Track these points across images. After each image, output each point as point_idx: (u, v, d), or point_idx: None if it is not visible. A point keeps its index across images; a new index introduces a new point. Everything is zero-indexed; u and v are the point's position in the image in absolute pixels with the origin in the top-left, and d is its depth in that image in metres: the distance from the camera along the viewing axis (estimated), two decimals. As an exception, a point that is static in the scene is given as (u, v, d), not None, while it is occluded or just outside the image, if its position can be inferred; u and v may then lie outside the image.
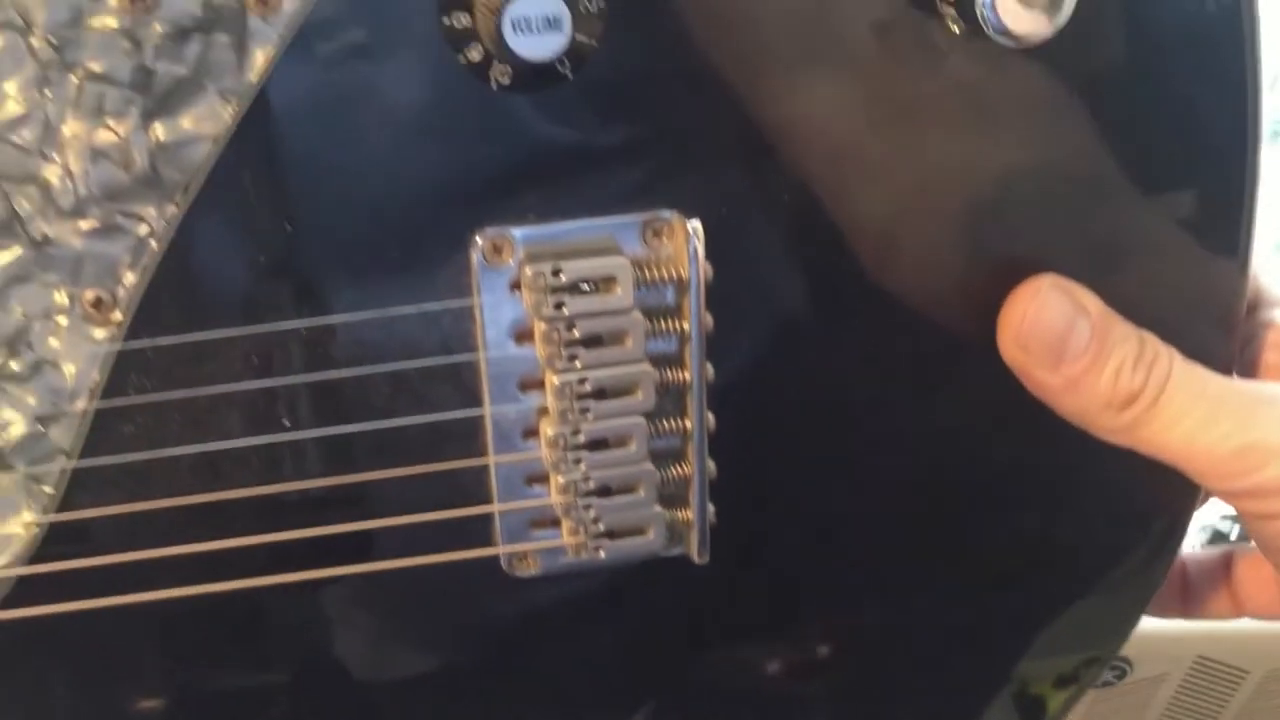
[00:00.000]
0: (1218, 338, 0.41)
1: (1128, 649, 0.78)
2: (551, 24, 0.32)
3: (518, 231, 0.36)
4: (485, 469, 0.39)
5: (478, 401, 0.38)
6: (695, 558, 0.40)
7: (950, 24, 0.35)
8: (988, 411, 0.41)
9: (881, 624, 0.45)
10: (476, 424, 0.38)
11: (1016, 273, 0.39)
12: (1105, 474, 0.42)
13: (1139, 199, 0.39)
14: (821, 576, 0.43)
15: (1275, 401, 0.36)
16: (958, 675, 0.46)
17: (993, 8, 0.33)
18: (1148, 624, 0.72)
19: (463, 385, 0.38)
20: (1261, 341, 0.42)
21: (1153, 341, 0.38)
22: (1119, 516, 0.44)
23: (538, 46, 0.33)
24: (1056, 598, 0.45)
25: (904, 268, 0.39)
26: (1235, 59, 0.38)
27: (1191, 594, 0.47)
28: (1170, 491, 0.42)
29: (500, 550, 0.39)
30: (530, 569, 0.40)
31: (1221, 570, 0.46)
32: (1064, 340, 0.38)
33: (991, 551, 0.44)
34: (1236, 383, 0.38)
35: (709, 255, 0.37)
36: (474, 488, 0.39)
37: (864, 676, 0.45)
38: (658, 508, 0.39)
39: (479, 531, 0.40)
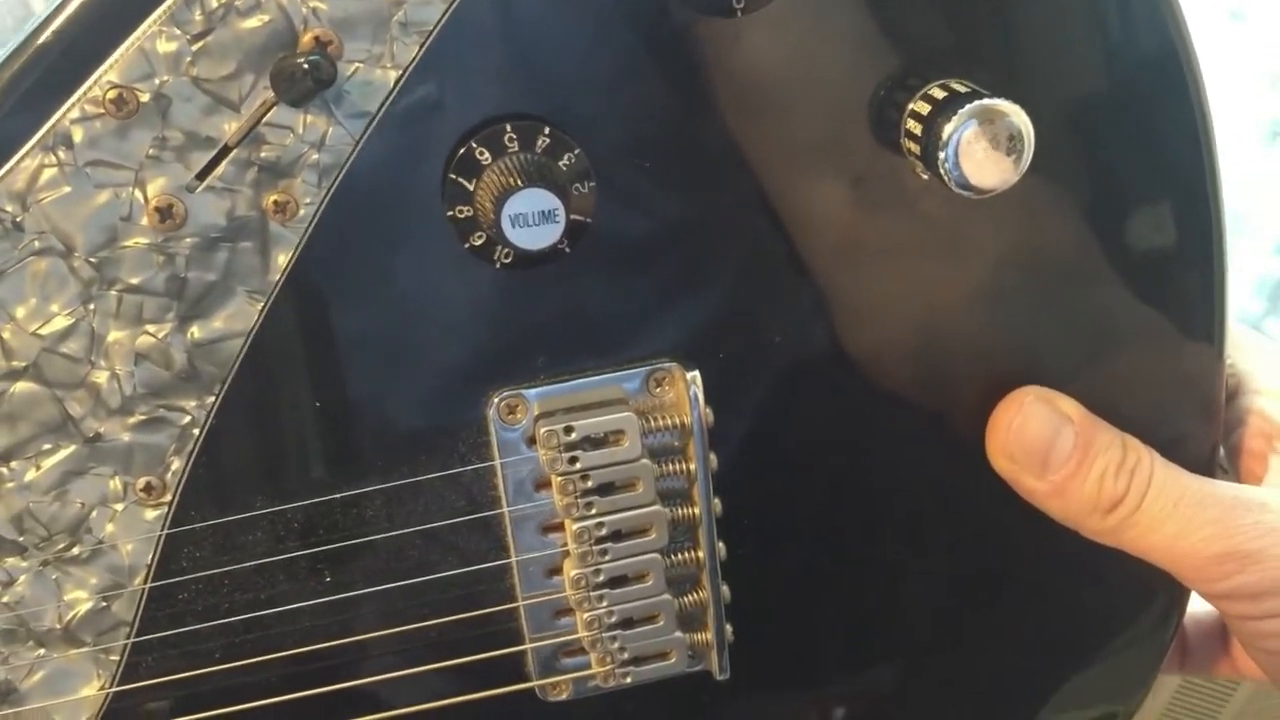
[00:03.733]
0: (1199, 425, 0.43)
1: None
2: (547, 216, 0.35)
3: (530, 391, 0.39)
4: (516, 607, 0.41)
5: (505, 547, 0.41)
6: (717, 675, 0.43)
7: (918, 171, 0.38)
8: (1000, 501, 0.43)
9: (903, 684, 0.47)
10: (505, 568, 0.41)
11: (1010, 376, 0.42)
12: (1109, 552, 0.44)
13: (1118, 294, 0.41)
14: (842, 652, 0.46)
15: (1251, 507, 0.38)
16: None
17: (956, 163, 0.35)
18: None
19: (490, 533, 0.41)
20: (1245, 428, 0.44)
21: (1135, 446, 0.40)
22: (1125, 588, 0.46)
23: (536, 238, 0.35)
24: (1070, 659, 0.47)
25: (904, 386, 0.41)
26: (1194, 157, 0.40)
27: (1190, 652, 0.49)
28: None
29: (534, 684, 0.42)
30: (562, 694, 0.43)
31: (1219, 632, 0.48)
32: (1049, 449, 0.40)
33: (1011, 621, 0.47)
34: (1216, 486, 0.40)
35: (710, 398, 0.40)
36: (507, 623, 0.42)
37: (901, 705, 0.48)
38: (678, 633, 0.42)
39: (513, 664, 0.42)
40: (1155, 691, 0.81)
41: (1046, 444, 0.40)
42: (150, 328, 0.37)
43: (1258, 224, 0.89)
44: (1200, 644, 0.49)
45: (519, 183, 0.35)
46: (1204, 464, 0.43)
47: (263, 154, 0.35)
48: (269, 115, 0.35)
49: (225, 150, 0.35)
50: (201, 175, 0.35)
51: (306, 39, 0.34)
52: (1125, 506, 0.40)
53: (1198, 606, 0.47)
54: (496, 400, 0.39)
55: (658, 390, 0.40)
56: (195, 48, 0.34)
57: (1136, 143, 0.39)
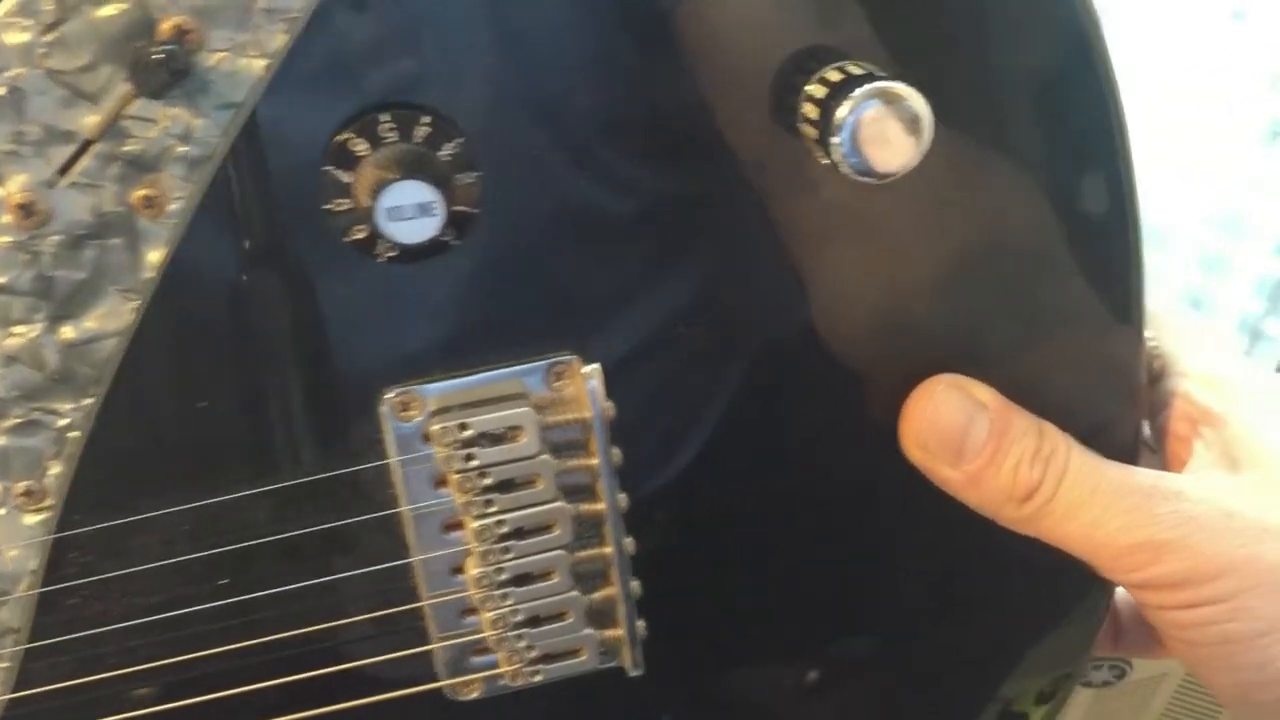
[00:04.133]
0: (1121, 408, 0.42)
1: (1128, 650, 0.78)
2: (425, 209, 0.34)
3: (426, 387, 0.38)
4: (421, 607, 0.40)
5: (406, 546, 0.39)
6: (630, 671, 0.42)
7: (818, 156, 0.36)
8: (919, 486, 0.42)
9: (868, 658, 0.46)
10: (408, 568, 0.40)
11: (931, 363, 0.40)
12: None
13: (1035, 276, 0.40)
14: (762, 643, 0.45)
15: (1168, 495, 0.37)
16: (949, 699, 0.48)
17: (852, 148, 0.34)
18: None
19: (390, 533, 0.39)
20: (1170, 411, 0.43)
21: (1051, 434, 0.39)
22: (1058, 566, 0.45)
23: (414, 231, 0.34)
24: (1036, 625, 0.47)
25: (816, 373, 0.40)
26: (1105, 134, 0.39)
27: (1123, 634, 0.48)
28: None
29: (444, 684, 0.41)
30: (472, 693, 0.42)
31: None
32: (963, 437, 0.39)
33: (974, 590, 0.46)
34: (1134, 474, 0.39)
35: (612, 391, 0.38)
36: (412, 623, 0.41)
37: (859, 700, 0.47)
38: (588, 630, 0.41)
39: (422, 663, 0.41)
40: (1155, 691, 0.80)
41: (960, 432, 0.39)
42: (19, 329, 0.35)
43: (1258, 224, 0.88)
44: (1133, 626, 0.48)
45: (394, 175, 0.33)
46: (1127, 449, 0.42)
47: (126, 148, 0.34)
48: (130, 108, 0.33)
49: (86, 145, 0.34)
50: (63, 170, 0.34)
51: (165, 27, 0.32)
52: (1040, 495, 0.39)
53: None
54: (390, 397, 0.38)
55: (558, 384, 0.38)
56: (48, 39, 0.32)
57: (1045, 121, 0.38)
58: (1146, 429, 0.44)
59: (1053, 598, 0.46)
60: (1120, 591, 0.47)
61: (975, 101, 0.37)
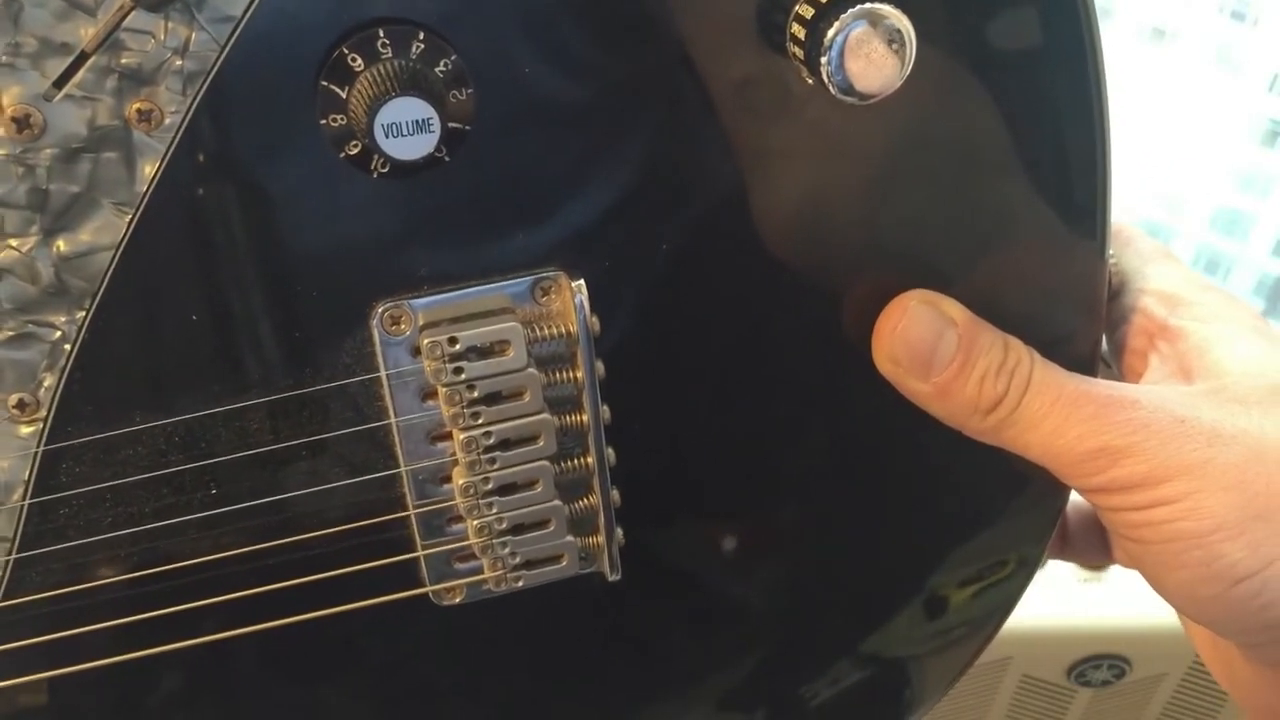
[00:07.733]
0: (1082, 323, 0.44)
1: (1127, 649, 0.80)
2: (421, 126, 0.34)
3: (415, 302, 0.39)
4: (407, 515, 0.41)
5: (394, 457, 0.40)
6: (609, 576, 0.43)
7: (804, 76, 0.37)
8: (892, 398, 0.43)
9: (796, 573, 0.48)
10: (395, 478, 0.41)
11: (901, 276, 0.42)
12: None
13: (1005, 190, 0.41)
14: (734, 547, 0.46)
15: (1124, 404, 0.39)
16: (875, 588, 0.50)
17: (839, 67, 0.35)
18: (1147, 623, 0.74)
19: (378, 444, 0.40)
20: (1128, 326, 0.45)
21: (1016, 347, 0.41)
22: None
23: (410, 148, 0.34)
24: (969, 520, 0.48)
25: (794, 290, 0.41)
26: (1079, 57, 0.40)
27: (1070, 540, 0.51)
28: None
29: (428, 589, 0.42)
30: (456, 598, 0.43)
31: (1097, 523, 0.50)
32: (932, 351, 0.41)
33: (908, 488, 0.47)
34: (1092, 385, 0.40)
35: (597, 306, 0.40)
36: (398, 531, 0.42)
37: (786, 585, 0.48)
38: (569, 537, 0.42)
39: (407, 569, 0.42)
40: (1155, 691, 0.82)
41: (930, 347, 0.41)
42: (13, 241, 0.35)
43: (1258, 224, 0.90)
44: (1080, 534, 0.50)
45: (391, 91, 0.34)
46: (1085, 362, 0.44)
47: (123, 61, 0.34)
48: (127, 20, 0.33)
49: (83, 57, 0.34)
50: (59, 83, 0.34)
51: (163, -61, 0.33)
52: (1004, 406, 0.40)
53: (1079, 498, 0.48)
54: (380, 311, 0.39)
55: (544, 299, 0.39)
56: (44, -52, 0.32)
57: (1017, 38, 0.39)
58: (1103, 343, 0.46)
59: (995, 492, 0.48)
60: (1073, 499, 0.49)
61: (942, 12, 0.38)
